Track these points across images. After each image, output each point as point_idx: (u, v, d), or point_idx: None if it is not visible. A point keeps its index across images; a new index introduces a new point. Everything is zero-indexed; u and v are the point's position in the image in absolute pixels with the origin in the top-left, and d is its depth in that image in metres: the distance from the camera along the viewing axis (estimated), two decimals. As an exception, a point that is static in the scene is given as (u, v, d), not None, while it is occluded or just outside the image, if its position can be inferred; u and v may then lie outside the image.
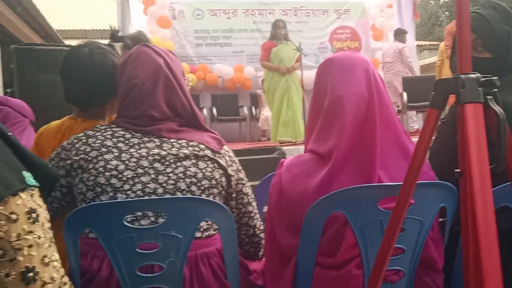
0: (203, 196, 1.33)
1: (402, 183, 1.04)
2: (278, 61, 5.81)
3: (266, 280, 1.44)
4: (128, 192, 1.29)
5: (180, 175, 1.33)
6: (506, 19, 1.47)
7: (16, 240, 0.66)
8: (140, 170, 1.31)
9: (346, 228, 1.26)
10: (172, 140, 1.38)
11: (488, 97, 0.96)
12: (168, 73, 1.41)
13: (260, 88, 7.43)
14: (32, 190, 0.72)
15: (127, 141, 1.36)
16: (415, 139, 1.17)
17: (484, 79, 0.95)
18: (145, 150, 1.35)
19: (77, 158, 1.34)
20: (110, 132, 1.38)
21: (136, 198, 1.28)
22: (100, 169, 1.30)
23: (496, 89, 0.97)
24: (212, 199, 1.34)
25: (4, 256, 0.66)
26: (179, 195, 1.31)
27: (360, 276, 1.26)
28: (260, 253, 1.58)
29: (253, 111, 7.58)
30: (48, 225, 0.73)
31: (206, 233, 1.33)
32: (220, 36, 8.05)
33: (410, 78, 6.99)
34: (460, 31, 0.97)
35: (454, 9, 0.98)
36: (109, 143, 1.35)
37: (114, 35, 1.79)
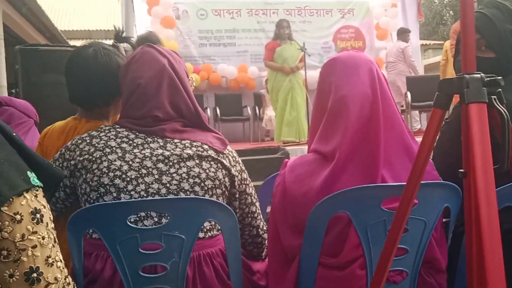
0: (207, 197, 1.33)
1: (405, 183, 1.04)
2: (282, 61, 5.81)
3: (269, 280, 1.44)
4: (132, 193, 1.29)
5: (184, 175, 1.33)
6: (510, 18, 1.46)
7: (20, 241, 0.66)
8: (143, 171, 1.32)
9: (350, 228, 1.25)
10: (175, 141, 1.38)
11: (493, 97, 0.95)
12: (172, 74, 1.41)
13: (264, 88, 7.44)
14: (37, 190, 0.72)
15: (131, 142, 1.36)
16: (418, 139, 1.17)
17: (488, 79, 0.95)
18: (148, 150, 1.35)
19: (81, 158, 1.34)
20: (114, 133, 1.38)
21: (140, 199, 1.29)
22: (104, 169, 1.31)
23: (500, 89, 0.97)
24: (215, 200, 1.34)
25: (8, 256, 0.66)
26: (182, 195, 1.31)
27: (363, 277, 1.25)
28: (263, 253, 1.58)
29: (257, 111, 7.58)
30: (52, 225, 0.74)
31: (209, 234, 1.33)
32: (224, 36, 8.05)
33: (414, 77, 6.97)
34: (464, 31, 0.96)
35: (458, 8, 0.97)
36: (113, 143, 1.35)
37: (118, 36, 1.79)
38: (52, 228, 0.73)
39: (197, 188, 1.32)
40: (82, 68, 1.61)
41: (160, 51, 1.44)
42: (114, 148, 1.34)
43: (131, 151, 1.34)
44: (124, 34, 1.82)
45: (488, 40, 1.47)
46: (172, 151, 1.35)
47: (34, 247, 0.68)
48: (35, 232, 0.68)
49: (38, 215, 0.69)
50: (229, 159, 1.42)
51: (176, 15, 7.79)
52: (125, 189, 1.29)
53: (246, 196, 1.48)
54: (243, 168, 1.49)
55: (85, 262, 1.27)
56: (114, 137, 1.37)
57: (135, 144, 1.36)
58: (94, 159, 1.33)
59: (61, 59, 2.30)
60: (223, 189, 1.39)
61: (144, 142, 1.37)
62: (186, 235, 1.22)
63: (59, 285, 0.71)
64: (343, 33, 8.41)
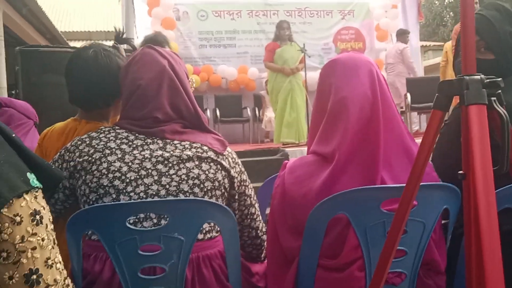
0: (206, 198, 1.33)
1: (405, 184, 1.04)
2: (282, 62, 5.81)
3: (268, 282, 1.44)
4: (131, 194, 1.29)
5: (183, 176, 1.33)
6: (509, 20, 1.46)
7: (20, 242, 0.66)
8: (143, 172, 1.31)
9: (349, 230, 1.25)
10: (175, 142, 1.38)
11: (492, 98, 0.95)
12: (172, 75, 1.41)
13: (264, 89, 7.45)
14: (36, 191, 0.72)
15: (130, 143, 1.36)
16: (417, 140, 1.17)
17: (488, 80, 0.95)
18: (148, 151, 1.35)
19: (80, 160, 1.34)
20: (113, 134, 1.38)
21: (139, 200, 1.28)
22: (103, 170, 1.31)
23: (500, 91, 0.97)
24: (214, 201, 1.34)
25: (8, 258, 0.66)
26: (182, 197, 1.31)
27: (362, 278, 1.25)
28: (262, 255, 1.58)
29: (257, 112, 7.58)
30: (51, 226, 0.73)
31: (209, 235, 1.33)
32: (224, 37, 8.06)
33: (414, 79, 6.97)
34: (465, 32, 0.96)
35: (459, 9, 0.97)
36: (112, 144, 1.35)
37: (118, 37, 1.79)
38: (52, 229, 0.73)
39: (196, 190, 1.32)
40: (82, 69, 1.61)
41: (160, 52, 1.45)
42: (113, 150, 1.34)
43: (130, 153, 1.34)
44: (124, 35, 1.82)
45: (488, 42, 1.47)
46: (171, 152, 1.35)
47: (34, 248, 0.68)
48: (35, 234, 0.68)
49: (37, 217, 0.69)
50: (228, 161, 1.42)
51: (177, 16, 7.80)
52: (124, 191, 1.29)
53: (246, 197, 1.48)
54: (243, 169, 1.49)
55: (84, 264, 1.27)
56: (114, 138, 1.37)
57: (134, 146, 1.36)
58: (93, 160, 1.32)
59: (61, 60, 2.30)
60: (223, 190, 1.38)
61: (144, 143, 1.37)
62: (185, 236, 1.21)
63: (58, 287, 0.71)
64: (343, 34, 8.42)
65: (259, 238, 1.54)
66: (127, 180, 1.30)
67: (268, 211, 1.46)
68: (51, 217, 0.74)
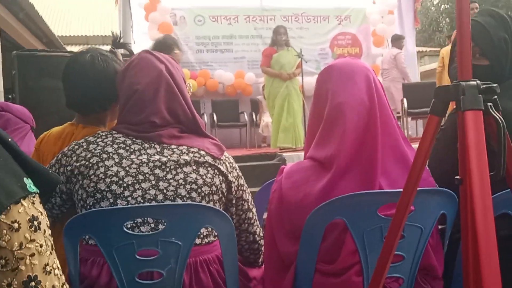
0: (203, 203, 1.33)
1: (402, 189, 1.04)
2: (279, 67, 5.82)
3: (265, 287, 1.44)
4: (129, 199, 1.29)
5: (181, 181, 1.33)
6: (503, 26, 1.47)
7: (18, 249, 0.66)
8: (140, 177, 1.31)
9: (346, 235, 1.25)
10: (172, 146, 1.38)
11: (489, 104, 0.96)
12: (169, 80, 1.41)
13: (261, 94, 7.45)
14: (34, 197, 0.71)
15: (127, 147, 1.36)
16: (414, 145, 1.17)
17: (484, 86, 0.95)
18: (145, 156, 1.35)
19: (77, 164, 1.34)
20: (110, 138, 1.38)
21: (136, 205, 1.28)
22: (101, 175, 1.30)
23: (496, 96, 0.97)
24: (212, 206, 1.34)
25: (6, 265, 0.65)
26: (179, 201, 1.31)
27: (360, 283, 1.25)
28: (260, 259, 1.58)
29: (254, 117, 7.59)
30: (49, 231, 0.73)
31: (206, 240, 1.33)
32: (221, 42, 8.07)
33: (410, 84, 7.00)
34: (461, 38, 0.97)
35: (455, 15, 0.98)
36: (109, 149, 1.35)
37: (115, 42, 1.80)
38: (49, 234, 0.73)
39: (194, 194, 1.32)
40: (79, 74, 1.61)
41: (157, 57, 1.45)
42: (111, 154, 1.34)
43: (128, 157, 1.34)
44: (121, 40, 1.82)
45: (482, 48, 1.48)
46: (169, 157, 1.35)
47: (32, 255, 0.67)
48: (33, 240, 0.68)
49: (35, 223, 0.69)
50: (226, 165, 1.42)
51: (174, 21, 7.81)
52: (121, 195, 1.29)
53: (243, 202, 1.48)
54: (240, 174, 1.49)
55: (81, 268, 1.27)
56: (111, 143, 1.37)
57: (132, 150, 1.36)
58: (90, 165, 1.32)
59: (58, 64, 2.30)
60: (220, 195, 1.38)
61: (141, 148, 1.36)
62: (182, 241, 1.21)
63: None
64: (340, 40, 8.45)
65: (256, 243, 1.54)
66: (125, 185, 1.30)
67: (265, 215, 1.46)
68: (48, 222, 0.74)
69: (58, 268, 0.73)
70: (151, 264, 1.21)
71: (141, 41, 7.36)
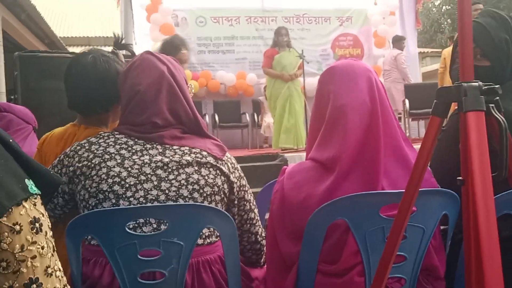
0: (205, 203, 1.33)
1: (404, 190, 1.05)
2: (280, 68, 5.83)
3: (267, 287, 1.44)
4: (131, 199, 1.29)
5: (183, 182, 1.33)
6: (504, 27, 1.48)
7: (19, 252, 0.65)
8: (142, 177, 1.32)
9: (348, 235, 1.25)
10: (174, 147, 1.38)
11: (490, 105, 0.96)
12: (171, 80, 1.42)
13: (262, 95, 7.46)
14: (35, 198, 0.71)
15: (129, 148, 1.36)
16: (416, 146, 1.17)
17: (486, 87, 0.96)
18: (147, 157, 1.35)
19: (79, 165, 1.34)
20: (113, 139, 1.38)
21: (139, 205, 1.28)
22: (103, 176, 1.31)
23: (498, 97, 0.97)
24: (214, 206, 1.34)
25: (8, 268, 0.64)
26: (181, 202, 1.31)
27: (362, 284, 1.25)
28: (262, 260, 1.58)
29: (255, 118, 7.60)
30: (50, 233, 0.73)
31: (208, 240, 1.33)
32: (223, 43, 8.08)
33: (412, 85, 7.00)
34: (462, 39, 0.97)
35: (456, 16, 0.98)
36: (112, 150, 1.35)
37: (117, 43, 1.80)
38: (51, 236, 0.73)
39: (196, 195, 1.33)
40: (81, 75, 1.62)
41: (159, 58, 1.45)
42: (113, 155, 1.34)
43: (130, 158, 1.34)
44: (123, 41, 1.82)
45: (483, 49, 1.48)
46: (171, 157, 1.36)
47: (34, 257, 0.67)
48: (35, 242, 0.67)
49: (37, 224, 0.69)
50: (228, 166, 1.42)
51: (175, 22, 7.81)
52: (124, 196, 1.29)
53: (245, 202, 1.48)
54: (242, 174, 1.49)
55: (84, 269, 1.27)
56: (113, 144, 1.37)
57: (134, 151, 1.36)
58: (93, 165, 1.33)
59: (60, 65, 2.30)
60: (222, 195, 1.39)
61: (143, 148, 1.37)
62: (184, 241, 1.21)
63: None
64: (341, 41, 8.45)
65: (258, 243, 1.54)
66: (127, 185, 1.30)
67: (267, 216, 1.46)
68: (50, 224, 0.73)
69: (60, 270, 0.73)
70: (153, 264, 1.21)
71: (142, 42, 7.38)
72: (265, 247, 1.53)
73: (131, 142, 1.38)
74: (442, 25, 22.56)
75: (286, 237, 1.35)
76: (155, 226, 1.27)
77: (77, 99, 1.65)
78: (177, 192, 1.31)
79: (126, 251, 1.19)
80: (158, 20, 7.50)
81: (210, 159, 1.38)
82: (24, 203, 0.67)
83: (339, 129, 1.31)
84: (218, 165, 1.39)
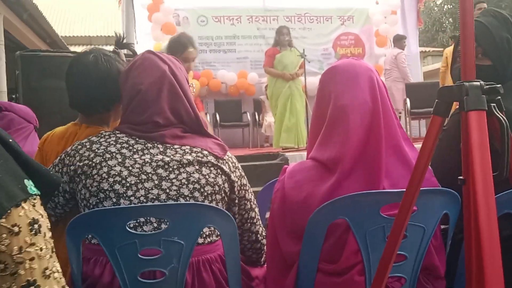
0: (206, 202, 1.33)
1: (404, 189, 1.04)
2: (282, 67, 5.82)
3: (267, 286, 1.44)
4: (131, 198, 1.29)
5: (183, 181, 1.33)
6: (506, 26, 1.48)
7: (17, 254, 0.65)
8: (143, 176, 1.32)
9: (349, 235, 1.25)
10: (175, 146, 1.38)
11: (492, 104, 0.96)
12: (172, 80, 1.42)
13: (264, 94, 7.46)
14: (34, 199, 0.70)
15: (131, 147, 1.36)
16: (417, 145, 1.17)
17: (487, 86, 0.95)
18: (148, 156, 1.35)
19: (80, 164, 1.34)
20: (114, 138, 1.38)
21: (139, 204, 1.29)
22: (104, 175, 1.31)
23: (499, 97, 0.97)
24: (215, 205, 1.34)
25: (5, 270, 0.64)
26: (182, 201, 1.31)
27: (362, 283, 1.25)
28: (262, 259, 1.58)
29: (256, 117, 7.59)
30: (49, 234, 0.72)
31: (209, 239, 1.33)
32: (224, 42, 8.07)
33: (413, 84, 6.99)
34: (464, 39, 0.97)
35: (458, 15, 0.98)
36: (113, 149, 1.35)
37: (119, 42, 1.80)
38: (50, 237, 0.72)
39: (196, 194, 1.33)
40: (82, 74, 1.62)
41: (161, 58, 1.45)
42: (114, 154, 1.34)
43: (131, 157, 1.34)
44: (124, 41, 1.82)
45: (485, 48, 1.48)
46: (172, 156, 1.36)
47: (32, 259, 0.66)
48: (33, 244, 0.67)
49: (36, 226, 0.68)
50: (228, 165, 1.42)
51: (177, 21, 7.80)
52: (124, 195, 1.29)
53: (246, 201, 1.48)
54: (243, 173, 1.49)
55: (84, 268, 1.27)
56: (114, 143, 1.37)
57: (135, 150, 1.36)
58: (94, 164, 1.33)
59: (61, 64, 2.30)
60: (223, 194, 1.39)
61: (144, 147, 1.37)
62: (185, 240, 1.21)
63: None
64: (343, 40, 8.44)
65: (259, 242, 1.54)
66: (128, 184, 1.30)
67: (268, 215, 1.46)
68: (49, 224, 0.73)
69: (58, 272, 0.72)
70: (154, 264, 1.21)
71: (144, 41, 7.37)
72: (265, 246, 1.53)
73: (132, 141, 1.38)
74: (444, 24, 22.53)
75: (286, 236, 1.35)
76: (155, 225, 1.27)
77: (79, 99, 1.65)
78: (178, 191, 1.31)
79: (127, 250, 1.19)
80: (159, 20, 7.50)
81: (211, 158, 1.38)
82: (23, 204, 0.67)
83: (340, 129, 1.31)
84: (219, 164, 1.39)
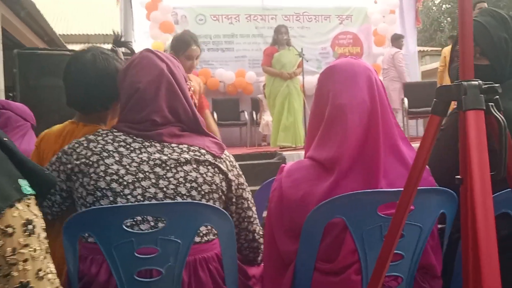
0: (203, 201, 1.33)
1: (402, 189, 1.04)
2: (280, 66, 5.82)
3: (264, 285, 1.44)
4: (128, 197, 1.29)
5: (181, 179, 1.33)
6: (503, 26, 1.48)
7: (11, 255, 0.64)
8: (140, 175, 1.31)
9: (346, 234, 1.25)
10: (173, 145, 1.38)
11: (490, 104, 0.96)
12: (170, 78, 1.41)
13: (262, 93, 7.45)
14: (29, 199, 0.69)
15: (128, 146, 1.36)
16: (415, 145, 1.17)
17: (486, 86, 0.95)
18: (146, 154, 1.35)
19: (77, 162, 1.34)
20: (111, 137, 1.38)
21: (136, 203, 1.28)
22: (101, 173, 1.30)
23: (498, 96, 0.97)
24: (212, 204, 1.34)
25: None
26: (179, 199, 1.31)
27: (359, 282, 1.25)
28: (259, 258, 1.58)
29: (254, 116, 7.59)
30: (44, 235, 0.71)
31: (206, 238, 1.33)
32: (222, 41, 8.07)
33: (411, 83, 7.00)
34: (463, 38, 0.97)
35: (456, 15, 0.98)
36: (110, 147, 1.35)
37: (117, 40, 1.80)
38: (44, 237, 0.71)
39: (194, 193, 1.32)
40: (80, 72, 1.61)
41: (159, 56, 1.45)
42: (111, 152, 1.34)
43: (128, 155, 1.34)
44: (122, 39, 1.82)
45: (483, 48, 1.48)
46: (169, 155, 1.35)
47: (25, 260, 0.65)
48: (27, 245, 0.66)
49: (30, 226, 0.67)
50: (226, 164, 1.42)
51: (175, 20, 7.79)
52: (121, 193, 1.29)
53: (243, 200, 1.48)
54: (240, 172, 1.49)
55: (80, 266, 1.27)
56: (112, 141, 1.37)
57: (132, 148, 1.36)
58: (91, 163, 1.32)
59: (59, 63, 2.30)
60: (220, 193, 1.38)
61: (142, 146, 1.36)
62: (182, 239, 1.21)
63: None
64: (341, 39, 8.44)
65: (256, 241, 1.54)
66: (125, 183, 1.30)
67: (265, 214, 1.46)
68: (44, 224, 0.71)
69: (52, 273, 0.71)
70: (150, 262, 1.21)
71: (142, 40, 7.36)
72: (262, 245, 1.53)
73: (129, 140, 1.37)
74: (442, 24, 22.55)
75: (284, 235, 1.34)
76: (152, 224, 1.27)
77: (76, 97, 1.64)
78: (175, 190, 1.31)
79: (123, 248, 1.19)
80: (157, 18, 7.49)
81: (209, 157, 1.38)
82: (17, 205, 0.66)
83: (339, 128, 1.31)
84: (216, 163, 1.39)
